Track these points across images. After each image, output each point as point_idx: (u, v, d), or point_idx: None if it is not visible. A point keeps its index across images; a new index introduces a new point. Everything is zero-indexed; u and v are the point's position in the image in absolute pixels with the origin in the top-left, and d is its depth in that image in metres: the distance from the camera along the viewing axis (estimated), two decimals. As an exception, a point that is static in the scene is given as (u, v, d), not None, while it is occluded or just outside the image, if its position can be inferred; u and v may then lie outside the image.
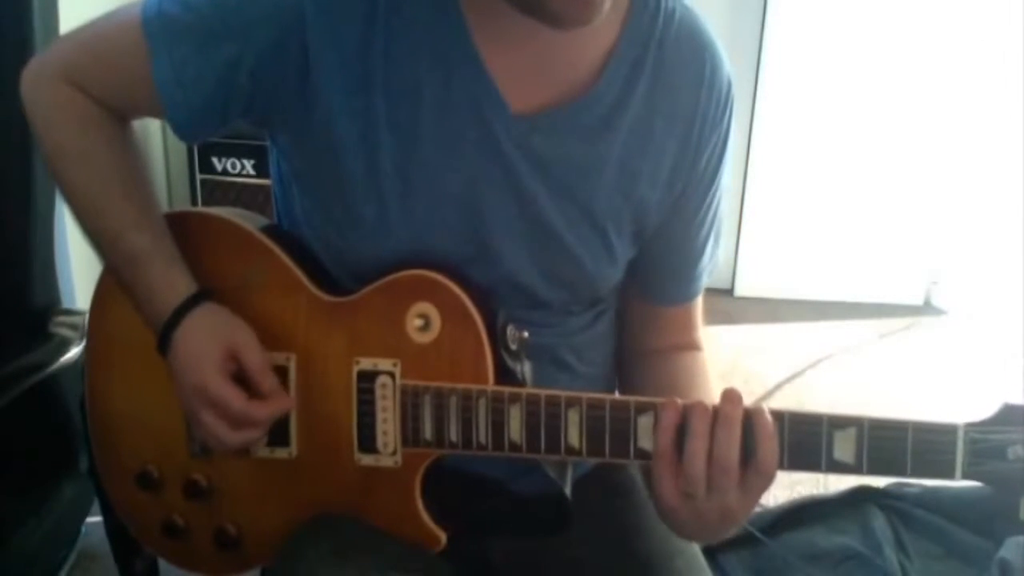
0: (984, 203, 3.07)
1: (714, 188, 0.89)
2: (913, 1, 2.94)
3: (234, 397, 0.78)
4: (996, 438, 0.69)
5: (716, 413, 0.71)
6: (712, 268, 0.95)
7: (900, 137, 3.09)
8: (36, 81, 0.84)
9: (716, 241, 0.94)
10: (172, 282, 0.82)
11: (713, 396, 0.75)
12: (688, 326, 0.97)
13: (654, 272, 0.92)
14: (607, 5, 0.69)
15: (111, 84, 0.83)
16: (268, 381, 0.81)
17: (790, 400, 2.48)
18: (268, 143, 0.90)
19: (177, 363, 0.80)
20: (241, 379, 0.80)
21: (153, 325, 0.82)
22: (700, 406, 0.71)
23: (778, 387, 2.54)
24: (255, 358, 0.80)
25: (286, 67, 0.76)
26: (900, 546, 1.78)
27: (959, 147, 3.07)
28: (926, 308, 3.27)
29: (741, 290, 3.21)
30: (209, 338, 0.80)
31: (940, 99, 3.03)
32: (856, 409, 0.72)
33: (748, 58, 3.01)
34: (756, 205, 3.13)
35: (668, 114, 0.83)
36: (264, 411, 0.80)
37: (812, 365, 2.70)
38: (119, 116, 0.85)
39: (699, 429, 0.70)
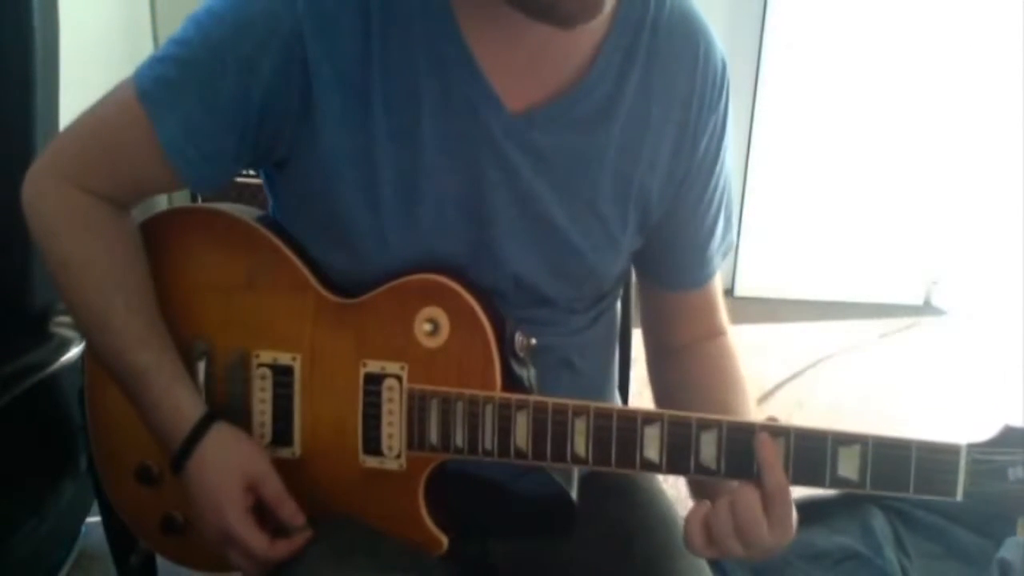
0: (984, 203, 3.08)
1: (718, 170, 0.89)
2: (913, 1, 2.94)
3: (258, 543, 0.79)
4: (998, 459, 0.70)
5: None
6: (725, 250, 0.95)
7: (900, 137, 3.09)
8: (38, 189, 0.82)
9: (728, 222, 0.94)
10: (176, 403, 0.81)
11: (742, 383, 0.83)
12: (709, 310, 0.97)
13: (665, 258, 0.93)
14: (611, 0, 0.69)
15: (117, 168, 0.81)
16: (287, 510, 0.81)
17: (790, 400, 2.48)
18: (263, 180, 0.89)
19: (193, 494, 0.81)
20: (259, 507, 0.81)
21: (162, 443, 0.82)
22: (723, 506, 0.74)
23: (778, 387, 2.54)
24: (272, 489, 0.81)
25: (291, 90, 0.76)
26: (900, 546, 1.78)
27: (959, 147, 3.07)
28: (926, 308, 3.28)
29: (741, 290, 3.21)
30: (225, 471, 0.80)
31: (940, 100, 3.04)
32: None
33: (748, 58, 3.01)
34: (756, 205, 3.14)
35: (664, 100, 0.83)
36: (287, 549, 0.81)
37: (812, 365, 2.70)
38: (123, 207, 0.83)
39: (723, 516, 0.74)
